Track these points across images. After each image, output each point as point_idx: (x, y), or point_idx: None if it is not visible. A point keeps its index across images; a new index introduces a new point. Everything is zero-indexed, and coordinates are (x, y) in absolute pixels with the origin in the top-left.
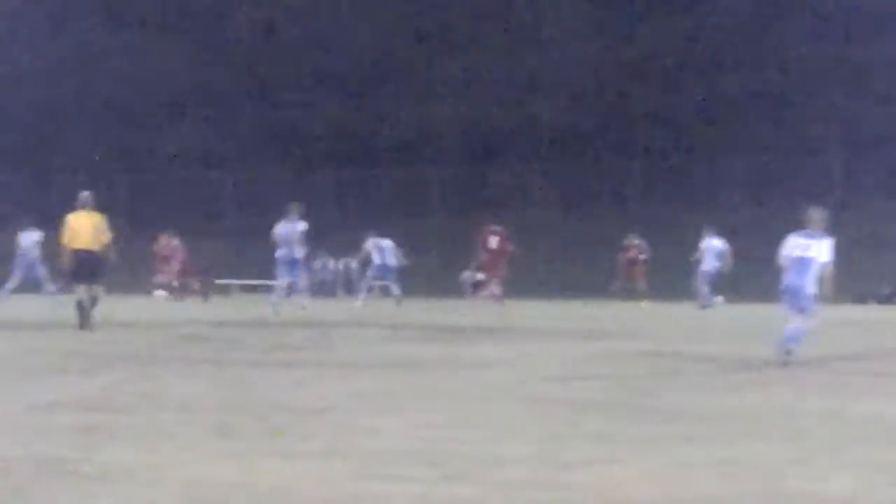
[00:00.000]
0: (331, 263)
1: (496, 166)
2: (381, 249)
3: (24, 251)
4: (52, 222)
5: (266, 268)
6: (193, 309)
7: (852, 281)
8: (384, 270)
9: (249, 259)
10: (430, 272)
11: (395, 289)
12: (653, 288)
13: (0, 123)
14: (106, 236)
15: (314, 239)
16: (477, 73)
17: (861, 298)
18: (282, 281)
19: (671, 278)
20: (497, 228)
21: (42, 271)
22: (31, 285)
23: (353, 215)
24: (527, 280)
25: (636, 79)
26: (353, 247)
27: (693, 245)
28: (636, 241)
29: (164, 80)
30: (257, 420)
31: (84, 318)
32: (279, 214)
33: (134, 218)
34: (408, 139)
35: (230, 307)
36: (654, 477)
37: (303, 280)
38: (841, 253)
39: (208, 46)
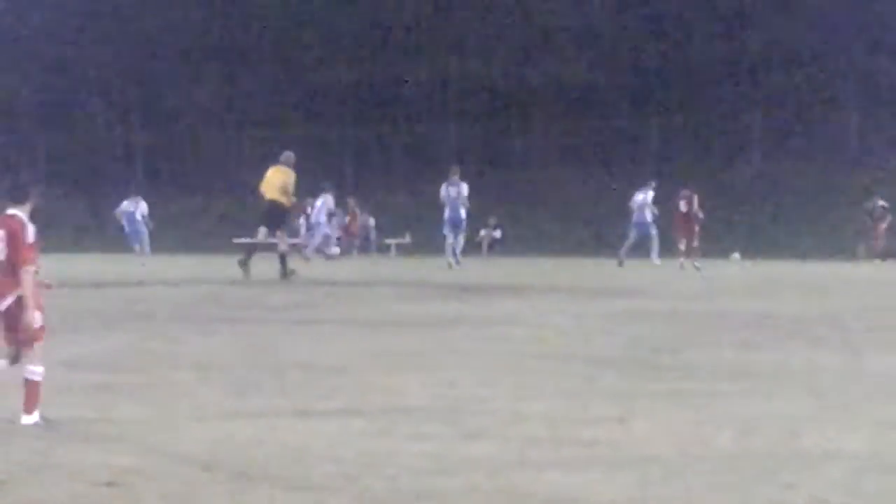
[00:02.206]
0: (346, 221)
1: (514, 124)
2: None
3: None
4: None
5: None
6: (209, 269)
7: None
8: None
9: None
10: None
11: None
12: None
13: (19, 82)
14: (290, 191)
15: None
16: (494, 30)
17: (883, 256)
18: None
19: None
20: (685, 192)
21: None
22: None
23: (371, 174)
24: (541, 238)
25: (654, 35)
26: (371, 205)
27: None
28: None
29: (181, 39)
30: (275, 378)
31: (284, 266)
32: (297, 172)
33: (150, 175)
34: (423, 96)
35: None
36: (672, 433)
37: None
38: (859, 211)
39: (226, 6)
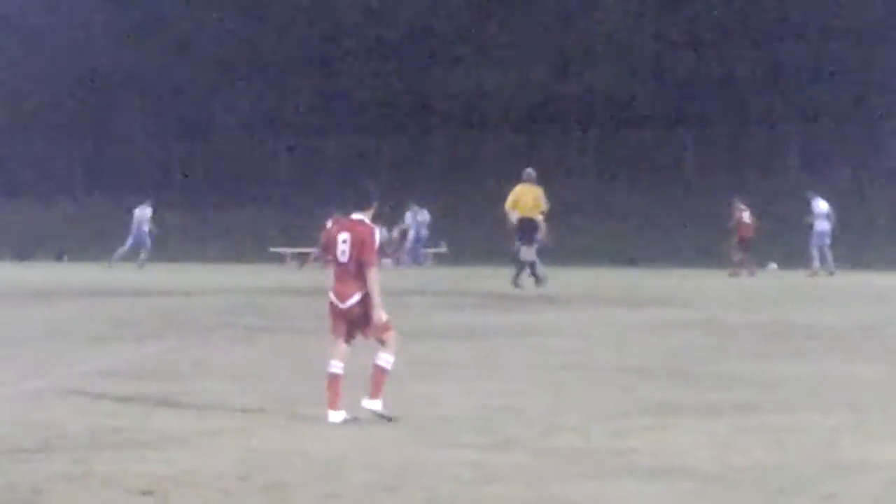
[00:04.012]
0: (383, 231)
1: (548, 134)
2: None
3: (137, 223)
4: (107, 189)
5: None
6: (247, 278)
7: None
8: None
9: (304, 227)
10: (482, 239)
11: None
12: (711, 255)
13: (57, 92)
14: (543, 206)
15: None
16: (530, 40)
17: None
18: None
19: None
20: (742, 205)
21: (149, 242)
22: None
23: (408, 183)
24: (577, 249)
25: (690, 46)
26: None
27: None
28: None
29: (220, 49)
30: (313, 388)
31: (517, 275)
32: (334, 181)
33: (188, 186)
34: (461, 107)
35: (283, 275)
36: (710, 445)
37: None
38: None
39: (264, 16)
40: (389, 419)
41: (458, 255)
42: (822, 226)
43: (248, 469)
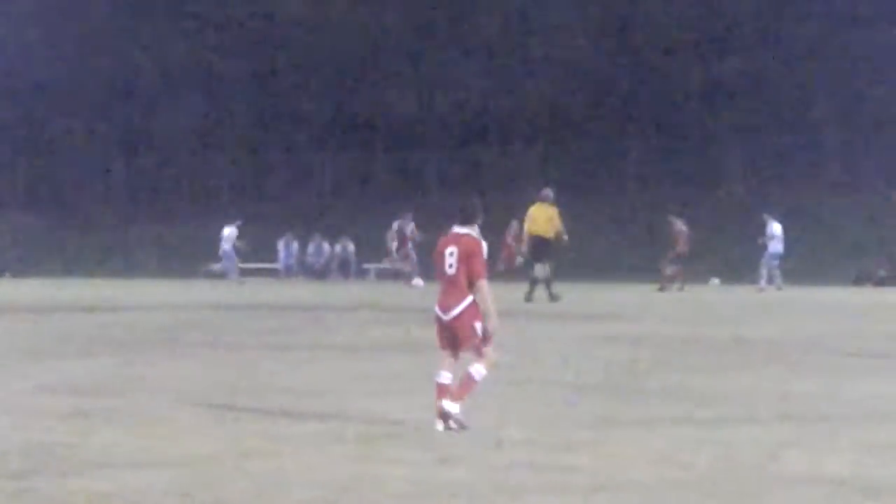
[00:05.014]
0: (325, 246)
1: (492, 148)
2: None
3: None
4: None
5: (262, 251)
6: (188, 293)
7: (849, 263)
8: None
9: (247, 242)
10: (426, 254)
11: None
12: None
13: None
14: (557, 225)
15: (311, 222)
16: (472, 57)
17: (857, 281)
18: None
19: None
20: (678, 220)
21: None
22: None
23: (350, 200)
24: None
25: (632, 61)
26: (351, 229)
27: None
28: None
29: (163, 62)
30: (254, 403)
31: (530, 291)
32: (278, 196)
33: (132, 199)
34: (406, 123)
35: (225, 291)
36: (651, 459)
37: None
38: (838, 234)
39: (207, 30)
40: (463, 427)
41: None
42: (777, 247)
43: (191, 486)
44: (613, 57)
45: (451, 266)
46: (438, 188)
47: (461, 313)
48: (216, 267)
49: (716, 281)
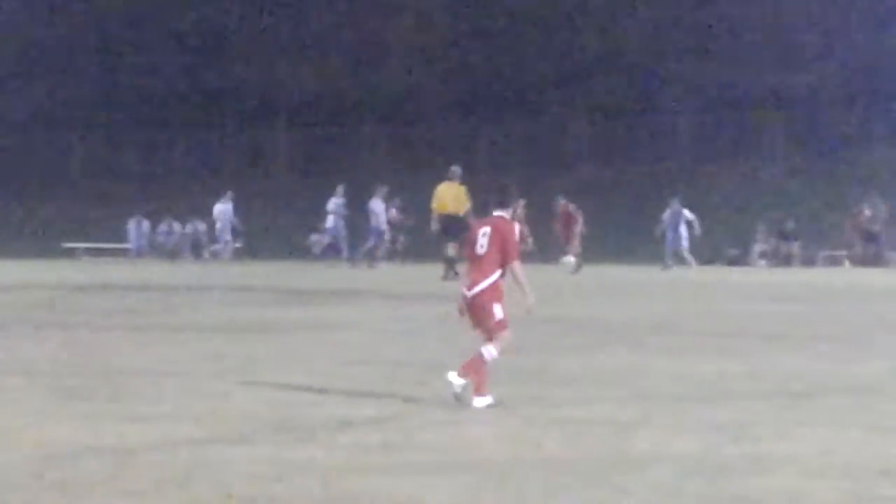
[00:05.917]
0: (176, 226)
1: (343, 128)
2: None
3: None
4: None
5: (113, 231)
6: (39, 274)
7: (702, 243)
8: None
9: (95, 222)
10: (277, 234)
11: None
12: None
13: None
14: (465, 203)
15: (160, 202)
16: (323, 35)
17: (709, 260)
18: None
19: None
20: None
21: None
22: None
23: (200, 178)
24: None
25: (482, 41)
26: (201, 210)
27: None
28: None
29: (9, 42)
30: (104, 384)
31: (448, 270)
32: (129, 177)
33: None
34: (254, 101)
35: (76, 271)
36: (503, 438)
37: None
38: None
39: (54, 8)
40: (458, 399)
41: (254, 250)
42: (684, 231)
43: (41, 466)
44: (464, 35)
45: (482, 246)
46: (287, 170)
47: (482, 291)
48: (216, 247)
49: (570, 259)
